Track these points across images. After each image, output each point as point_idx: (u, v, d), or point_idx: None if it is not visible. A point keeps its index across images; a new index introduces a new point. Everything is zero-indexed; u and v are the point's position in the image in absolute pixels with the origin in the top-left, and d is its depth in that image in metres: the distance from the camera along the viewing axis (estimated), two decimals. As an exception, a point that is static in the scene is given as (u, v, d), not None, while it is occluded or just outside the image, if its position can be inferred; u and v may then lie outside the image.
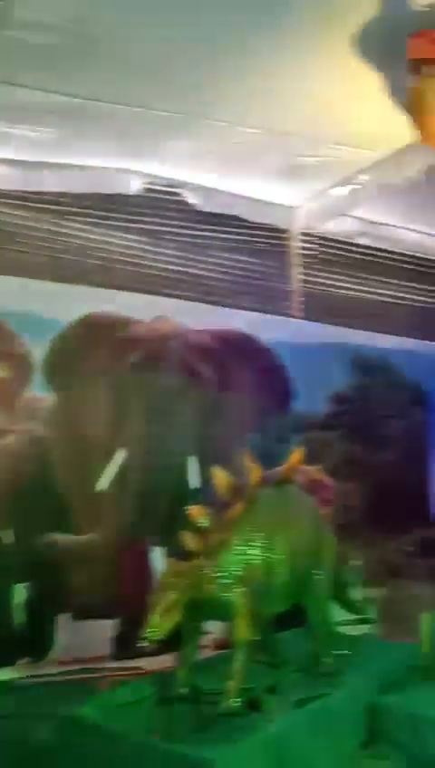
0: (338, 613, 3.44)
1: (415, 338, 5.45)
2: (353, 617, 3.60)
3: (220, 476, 2.80)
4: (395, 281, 5.50)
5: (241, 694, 2.45)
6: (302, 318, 5.13)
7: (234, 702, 2.41)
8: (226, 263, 4.99)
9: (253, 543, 2.72)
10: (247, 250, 5.01)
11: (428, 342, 5.42)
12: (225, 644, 3.30)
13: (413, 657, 3.33)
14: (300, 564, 2.86)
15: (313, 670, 2.94)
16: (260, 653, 3.03)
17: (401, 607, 4.57)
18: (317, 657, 2.97)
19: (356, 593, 3.55)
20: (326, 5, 2.77)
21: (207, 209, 4.64)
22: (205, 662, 2.94)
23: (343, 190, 4.43)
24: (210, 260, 4.92)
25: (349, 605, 3.44)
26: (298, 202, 4.86)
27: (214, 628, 3.48)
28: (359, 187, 4.27)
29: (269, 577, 2.74)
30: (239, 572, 2.60)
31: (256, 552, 2.71)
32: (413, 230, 5.26)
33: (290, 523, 2.88)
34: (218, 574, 2.56)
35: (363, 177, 4.24)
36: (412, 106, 2.37)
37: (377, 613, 4.27)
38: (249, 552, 2.70)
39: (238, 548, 2.65)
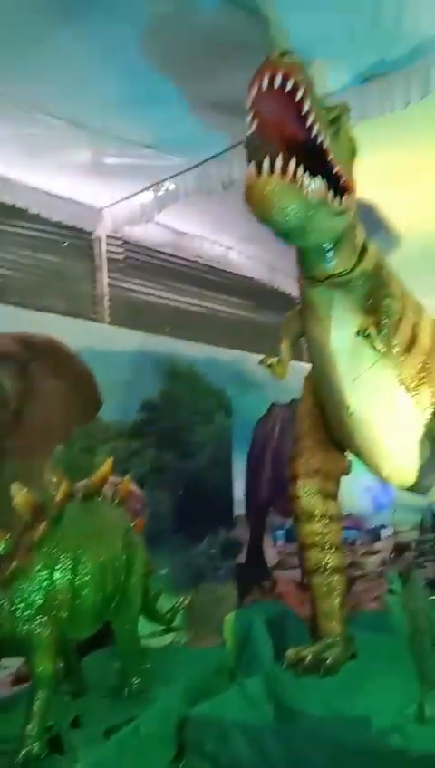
0: (145, 626, 3.37)
1: (218, 346, 5.66)
2: (161, 628, 3.55)
3: (21, 494, 2.53)
4: (199, 290, 5.67)
5: (42, 735, 2.23)
6: (109, 323, 5.00)
7: (34, 747, 2.18)
8: (27, 261, 4.65)
9: (58, 566, 2.51)
10: (51, 249, 4.74)
11: (229, 350, 5.66)
12: (25, 677, 3.01)
13: (220, 660, 3.39)
14: (109, 582, 2.71)
15: (121, 692, 2.81)
16: (63, 684, 2.82)
17: (207, 610, 4.67)
18: (125, 677, 2.85)
19: (164, 602, 3.50)
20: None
21: (4, 200, 4.27)
22: (1, 703, 2.64)
23: (150, 195, 4.42)
24: (8, 257, 4.53)
25: (157, 617, 3.38)
26: (105, 203, 4.74)
27: (12, 662, 3.16)
28: (165, 193, 4.28)
29: (75, 600, 2.55)
30: (41, 601, 2.37)
31: (62, 575, 2.50)
32: (217, 243, 5.47)
33: (98, 539, 2.72)
34: (17, 606, 2.30)
35: (170, 185, 4.27)
36: None
37: (183, 620, 4.29)
38: (54, 575, 2.48)
39: (41, 573, 2.41)
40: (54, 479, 2.68)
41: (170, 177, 4.18)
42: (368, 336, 2.56)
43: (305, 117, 2.09)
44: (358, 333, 2.59)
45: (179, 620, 3.99)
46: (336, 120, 2.41)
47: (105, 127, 3.68)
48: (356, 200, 2.58)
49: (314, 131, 2.13)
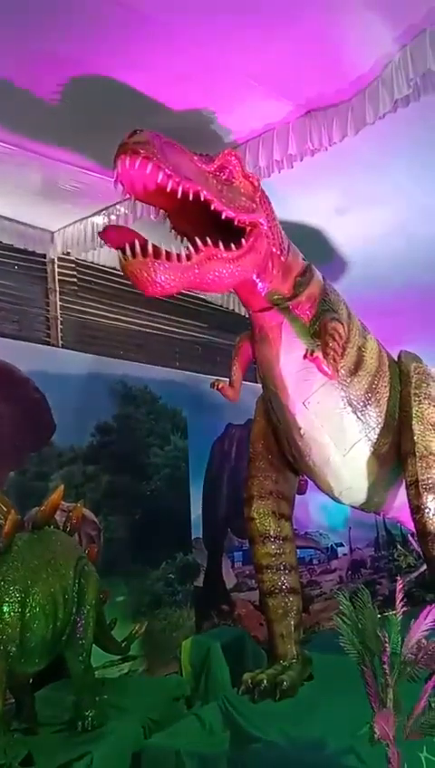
0: (102, 655, 3.30)
1: (173, 368, 5.66)
2: (117, 657, 3.48)
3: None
4: (153, 312, 5.67)
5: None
6: (62, 347, 4.94)
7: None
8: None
9: (7, 599, 2.45)
10: (2, 273, 4.68)
11: (185, 372, 5.67)
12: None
13: (177, 688, 3.35)
14: (60, 614, 2.66)
15: (75, 727, 2.74)
16: (13, 720, 2.74)
17: (164, 637, 4.60)
18: (80, 710, 2.78)
19: (119, 631, 3.43)
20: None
21: None
22: None
23: (101, 219, 4.42)
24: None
25: (112, 646, 3.32)
26: (57, 227, 4.71)
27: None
28: (116, 217, 4.29)
29: (25, 634, 2.49)
30: (-13, 635, 2.31)
31: (10, 608, 2.45)
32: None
33: (49, 569, 2.67)
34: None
35: (121, 209, 4.29)
36: None
37: (141, 648, 4.22)
38: (2, 609, 2.43)
39: (-13, 607, 2.36)
40: (3, 508, 2.63)
41: (121, 202, 4.20)
42: (315, 359, 2.62)
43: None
44: (305, 356, 2.65)
45: (136, 648, 3.94)
46: (224, 167, 2.56)
47: (57, 152, 3.69)
48: (269, 229, 2.69)
49: (179, 194, 2.28)
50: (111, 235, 2.46)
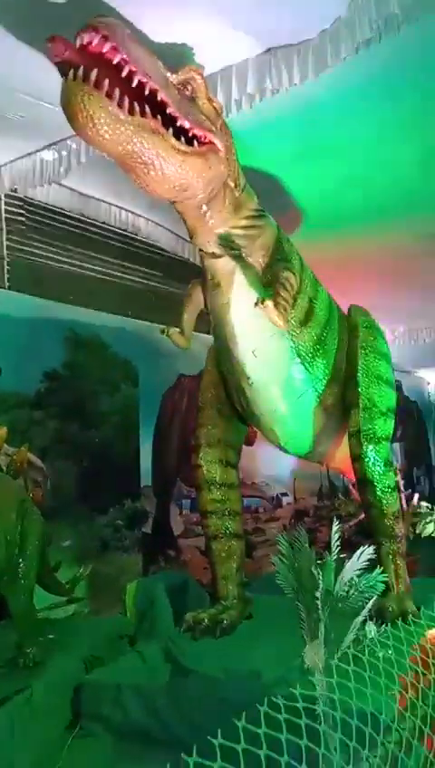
0: (49, 597, 3.34)
1: (124, 315, 5.56)
2: (64, 598, 3.52)
3: None
4: (105, 257, 5.51)
5: None
6: (8, 288, 4.76)
7: None
8: None
9: None
10: None
11: (137, 321, 5.58)
12: None
13: (121, 628, 3.43)
14: (1, 555, 2.66)
15: (17, 664, 2.77)
16: None
17: (111, 580, 4.68)
18: (21, 649, 2.82)
19: (66, 574, 3.47)
20: None
21: None
22: None
23: (51, 154, 4.20)
24: None
25: (56, 587, 3.35)
26: (2, 161, 4.46)
27: None
28: (67, 152, 4.08)
29: (-35, 574, 2.48)
30: None
31: None
32: (123, 208, 5.31)
33: (-11, 512, 2.65)
34: None
35: (72, 144, 4.08)
36: None
37: (87, 590, 4.28)
38: None
39: None
40: None
41: (73, 136, 3.99)
42: (266, 308, 2.60)
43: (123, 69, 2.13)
44: (256, 305, 2.63)
45: (83, 590, 3.99)
46: (188, 83, 2.46)
47: (4, 81, 3.44)
48: (226, 159, 2.61)
49: (134, 82, 2.17)
50: (58, 46, 2.23)
